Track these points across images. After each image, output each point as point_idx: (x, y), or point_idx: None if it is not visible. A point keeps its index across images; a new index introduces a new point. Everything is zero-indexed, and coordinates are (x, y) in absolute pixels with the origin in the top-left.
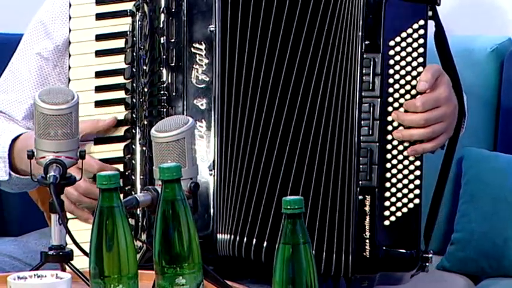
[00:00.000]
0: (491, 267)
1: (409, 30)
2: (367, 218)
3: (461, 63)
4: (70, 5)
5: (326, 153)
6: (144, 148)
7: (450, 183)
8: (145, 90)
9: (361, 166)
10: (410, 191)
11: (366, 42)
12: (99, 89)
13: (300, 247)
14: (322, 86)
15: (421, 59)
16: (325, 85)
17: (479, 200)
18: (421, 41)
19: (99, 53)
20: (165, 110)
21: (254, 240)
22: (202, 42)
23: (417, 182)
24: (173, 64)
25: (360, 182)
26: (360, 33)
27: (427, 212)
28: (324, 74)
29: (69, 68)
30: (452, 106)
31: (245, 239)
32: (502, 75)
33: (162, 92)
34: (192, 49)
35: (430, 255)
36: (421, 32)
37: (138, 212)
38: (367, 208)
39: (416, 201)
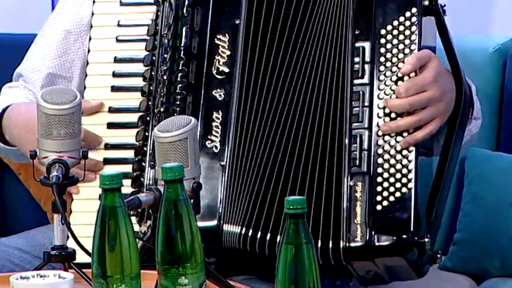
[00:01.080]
0: (494, 267)
1: (401, 19)
2: (358, 204)
3: (463, 64)
4: None
5: (320, 140)
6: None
7: (453, 183)
8: (164, 77)
9: (352, 153)
10: (404, 175)
11: (357, 32)
12: (117, 74)
13: (303, 247)
14: (315, 74)
15: (413, 46)
16: (317, 74)
17: (482, 200)
18: (414, 28)
19: (121, 40)
20: (182, 97)
21: (260, 233)
22: (226, 34)
23: (411, 166)
24: (195, 53)
25: (351, 169)
26: (351, 22)
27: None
28: (316, 63)
29: (89, 51)
30: (439, 90)
31: (252, 232)
32: (504, 75)
33: (181, 80)
34: (215, 40)
35: (427, 240)
36: (414, 19)
37: None
38: (358, 194)
39: (410, 185)
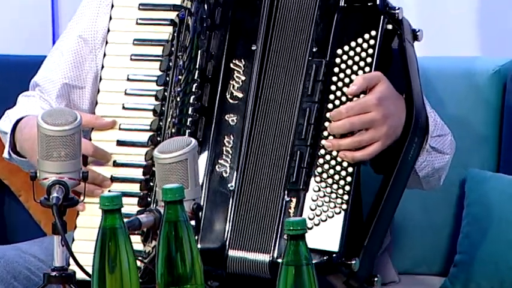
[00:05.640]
0: None
1: (359, 40)
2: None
3: (462, 85)
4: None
5: (264, 152)
6: None
7: (453, 204)
8: (178, 98)
9: (290, 168)
10: (339, 196)
11: (314, 49)
12: (129, 93)
13: (303, 268)
14: (273, 88)
15: (367, 69)
16: (274, 87)
17: (482, 222)
18: (370, 51)
19: (135, 57)
20: (194, 119)
21: (267, 257)
22: (242, 60)
23: (347, 188)
24: (210, 76)
25: (288, 184)
26: (309, 41)
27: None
28: (275, 77)
29: (103, 66)
30: (382, 113)
31: (258, 256)
32: (504, 96)
33: (194, 102)
34: (231, 65)
35: (354, 262)
36: (372, 42)
37: None
38: (291, 210)
39: (344, 206)
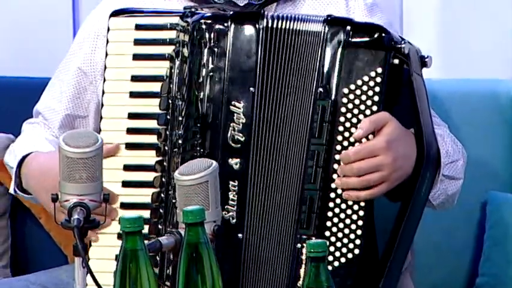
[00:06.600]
0: None
1: (365, 78)
2: (303, 267)
3: (485, 107)
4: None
5: (272, 197)
6: (174, 200)
7: (474, 227)
8: (179, 142)
9: (302, 213)
10: (351, 241)
11: (320, 90)
12: (130, 130)
13: None
14: (277, 130)
15: (375, 108)
16: (278, 129)
17: (503, 244)
18: (377, 89)
19: (134, 95)
20: None
21: None
22: (242, 101)
23: (359, 232)
24: (210, 121)
25: (299, 231)
26: (314, 80)
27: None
28: (279, 118)
29: (102, 105)
30: (391, 156)
31: None
32: None
33: (196, 149)
34: (231, 107)
35: None
36: (378, 80)
37: (164, 260)
38: (303, 257)
39: (356, 251)
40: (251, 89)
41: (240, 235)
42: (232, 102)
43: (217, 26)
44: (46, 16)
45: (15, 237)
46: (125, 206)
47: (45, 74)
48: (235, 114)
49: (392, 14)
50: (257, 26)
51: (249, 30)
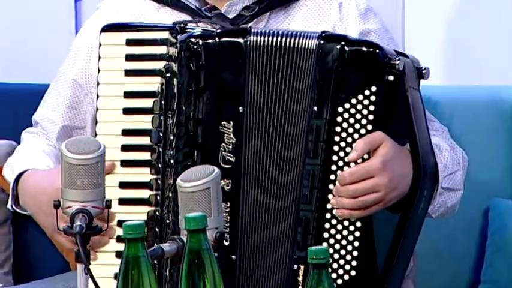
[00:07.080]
0: None
1: (360, 97)
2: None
3: (488, 114)
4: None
5: (266, 219)
6: (167, 220)
7: (476, 234)
8: (172, 162)
9: (298, 235)
10: (347, 262)
11: (314, 109)
12: (125, 147)
13: None
14: (269, 150)
15: (369, 127)
16: (269, 149)
17: (506, 251)
18: (372, 107)
19: (127, 111)
20: None
21: None
22: (231, 121)
23: (355, 253)
24: (200, 142)
25: (295, 252)
26: (309, 99)
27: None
28: (273, 138)
29: (96, 122)
30: (387, 177)
31: None
32: None
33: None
34: (220, 127)
35: None
36: (373, 98)
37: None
38: (300, 278)
39: (353, 273)
40: (240, 108)
41: (233, 257)
42: (222, 123)
43: (204, 45)
44: (47, 21)
45: (17, 244)
46: (122, 224)
47: (46, 81)
48: (225, 135)
49: (393, 20)
50: (245, 43)
51: (236, 47)
